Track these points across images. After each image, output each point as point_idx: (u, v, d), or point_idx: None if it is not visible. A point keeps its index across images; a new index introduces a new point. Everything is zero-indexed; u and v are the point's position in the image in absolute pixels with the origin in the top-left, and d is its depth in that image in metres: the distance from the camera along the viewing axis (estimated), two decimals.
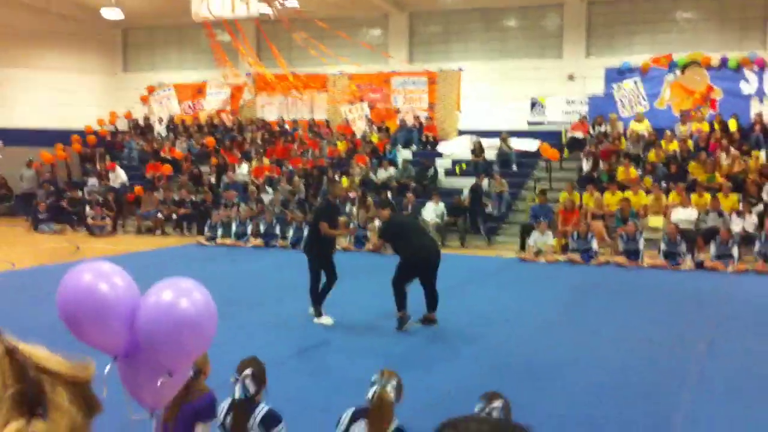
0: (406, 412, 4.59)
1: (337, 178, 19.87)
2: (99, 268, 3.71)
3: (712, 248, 14.97)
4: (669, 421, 6.42)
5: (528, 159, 21.21)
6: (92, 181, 22.92)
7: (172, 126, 26.54)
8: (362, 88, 24.83)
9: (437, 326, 9.63)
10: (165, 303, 3.56)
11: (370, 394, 4.51)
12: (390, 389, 4.51)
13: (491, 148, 21.28)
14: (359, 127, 24.03)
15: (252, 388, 4.67)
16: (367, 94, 24.81)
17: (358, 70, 24.46)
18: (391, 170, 20.77)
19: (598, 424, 6.45)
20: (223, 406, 4.77)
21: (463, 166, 21.07)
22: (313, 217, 10.47)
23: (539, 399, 6.78)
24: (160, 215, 20.39)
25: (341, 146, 22.66)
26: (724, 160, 18.03)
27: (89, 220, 20.35)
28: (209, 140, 24.37)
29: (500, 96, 23.35)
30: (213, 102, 26.92)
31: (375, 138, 22.92)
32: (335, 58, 23.24)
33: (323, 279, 10.00)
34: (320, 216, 10.24)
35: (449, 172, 21.24)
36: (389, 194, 19.09)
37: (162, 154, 23.94)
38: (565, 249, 16.13)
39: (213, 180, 22.17)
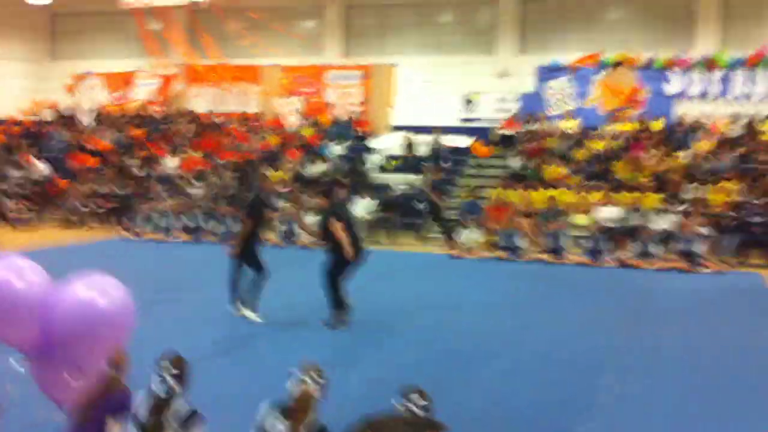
0: (330, 408, 4.57)
1: (267, 172, 19.71)
2: (10, 262, 3.60)
3: (635, 246, 15.36)
4: (592, 399, 6.68)
5: (460, 155, 21.36)
6: (14, 172, 22.22)
7: (99, 117, 25.90)
8: (296, 81, 24.65)
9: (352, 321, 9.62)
10: (80, 298, 3.47)
11: (292, 389, 4.48)
12: (311, 383, 4.48)
13: (424, 145, 21.38)
14: (291, 121, 23.86)
15: (173, 385, 4.57)
16: (300, 87, 24.64)
17: (291, 62, 24.28)
18: (323, 165, 20.67)
19: (520, 408, 6.57)
20: (140, 401, 4.65)
21: (396, 162, 21.11)
22: (246, 212, 10.23)
23: (462, 387, 6.88)
24: (85, 208, 19.90)
25: (273, 140, 22.46)
26: (647, 159, 18.46)
27: (10, 213, 19.75)
28: (137, 132, 23.87)
29: (434, 92, 23.48)
30: (142, 92, 26.38)
31: (307, 132, 22.79)
32: (268, 50, 23.04)
33: (245, 275, 9.87)
34: (251, 211, 10.11)
35: (381, 168, 21.25)
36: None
37: (88, 146, 23.35)
38: (493, 246, 16.32)
39: (140, 172, 21.72)
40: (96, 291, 3.55)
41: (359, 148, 22.00)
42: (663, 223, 16.05)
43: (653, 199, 16.97)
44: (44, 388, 3.69)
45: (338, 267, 9.44)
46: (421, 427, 1.32)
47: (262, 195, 10.66)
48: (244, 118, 24.33)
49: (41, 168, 22.15)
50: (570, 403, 6.72)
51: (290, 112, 24.18)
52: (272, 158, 21.35)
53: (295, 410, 4.46)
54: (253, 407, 4.82)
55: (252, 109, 24.94)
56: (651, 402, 6.80)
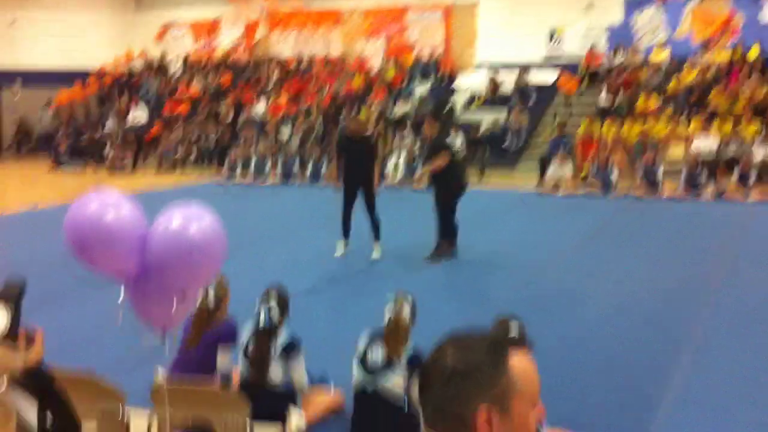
0: (422, 336, 4.67)
1: (353, 114, 19.80)
2: (105, 198, 3.76)
3: (734, 177, 14.87)
4: (679, 349, 6.48)
5: (546, 92, 20.96)
6: (111, 120, 22.96)
7: (187, 64, 26.39)
8: (377, 22, 24.50)
9: (453, 258, 9.69)
10: (174, 227, 3.61)
11: (386, 315, 4.61)
12: (405, 311, 4.60)
13: (509, 82, 21.05)
14: (375, 63, 23.80)
15: (276, 316, 4.76)
16: (381, 28, 24.48)
17: (372, 4, 24.10)
18: (408, 105, 20.63)
19: (606, 347, 6.53)
20: (246, 333, 4.87)
21: (480, 100, 20.87)
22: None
23: (550, 326, 6.86)
24: (179, 153, 20.47)
25: (357, 82, 22.48)
26: (745, 88, 17.73)
27: (109, 159, 20.48)
28: (225, 78, 24.26)
29: (517, 28, 22.93)
30: (227, 39, 26.68)
31: (391, 73, 22.71)
32: None
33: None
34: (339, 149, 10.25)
35: (467, 107, 21.05)
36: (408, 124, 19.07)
37: (179, 94, 23.88)
38: (584, 181, 16.08)
39: (230, 118, 22.12)
40: (188, 219, 3.67)
41: (444, 88, 21.82)
42: (762, 153, 15.48)
43: (752, 129, 16.33)
44: (144, 315, 3.86)
45: (452, 197, 9.64)
46: (502, 341, 1.36)
47: (350, 135, 10.44)
48: (328, 62, 24.39)
49: (140, 114, 22.80)
50: (657, 347, 6.55)
51: (373, 53, 24.10)
52: (358, 100, 21.41)
53: (390, 336, 4.59)
54: (352, 336, 4.97)
55: (335, 52, 24.95)
56: (739, 351, 6.51)
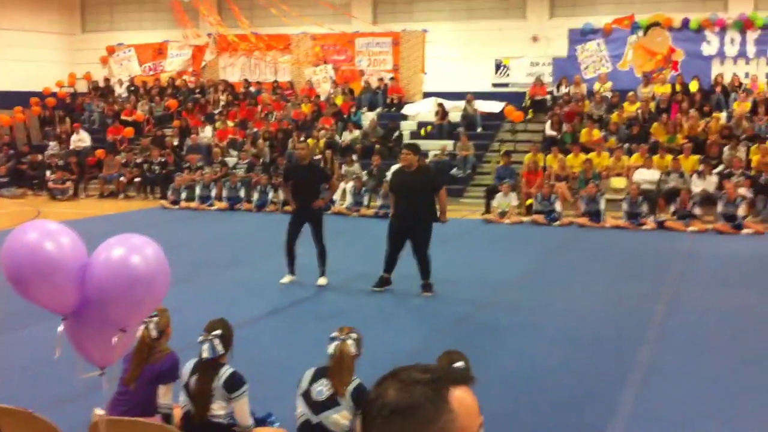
0: (367, 370, 4.64)
1: (301, 140, 19.77)
2: (44, 227, 3.66)
3: (673, 208, 15.23)
4: (629, 372, 6.56)
5: (492, 121, 21.23)
6: (53, 144, 22.51)
7: (133, 88, 26.08)
8: (326, 49, 24.59)
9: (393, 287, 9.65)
10: (116, 259, 3.53)
11: (330, 349, 4.57)
12: (350, 343, 4.57)
13: (456, 110, 21.28)
14: (324, 89, 23.85)
15: (219, 349, 4.69)
16: (331, 55, 24.58)
17: (321, 30, 24.19)
18: (356, 132, 20.68)
19: (559, 371, 6.58)
20: (188, 367, 4.78)
21: (429, 128, 21.04)
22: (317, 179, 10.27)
23: (497, 357, 6.88)
24: (122, 179, 20.15)
25: (306, 108, 22.48)
26: (685, 121, 18.21)
27: (50, 184, 20.05)
28: (171, 102, 24.03)
29: (465, 57, 23.24)
30: (174, 63, 26.47)
31: (340, 100, 22.77)
32: (298, 18, 22.96)
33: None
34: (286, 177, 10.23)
35: (414, 135, 21.19)
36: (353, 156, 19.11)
37: (123, 117, 23.56)
38: (529, 210, 16.28)
39: (176, 143, 21.89)
40: (129, 250, 3.60)
41: (392, 115, 21.95)
42: (701, 185, 15.88)
43: (692, 161, 16.75)
44: (82, 350, 3.76)
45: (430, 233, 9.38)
46: (443, 377, 1.34)
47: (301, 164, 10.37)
48: (277, 87, 24.36)
49: (83, 138, 22.39)
50: (606, 375, 6.66)
51: (323, 80, 24.16)
52: (306, 127, 21.38)
53: (334, 371, 4.56)
54: (297, 367, 4.91)
55: (284, 77, 24.94)
56: (687, 373, 6.69)
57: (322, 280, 9.80)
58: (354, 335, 4.65)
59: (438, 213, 9.32)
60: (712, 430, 5.43)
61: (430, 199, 9.22)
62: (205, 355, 4.67)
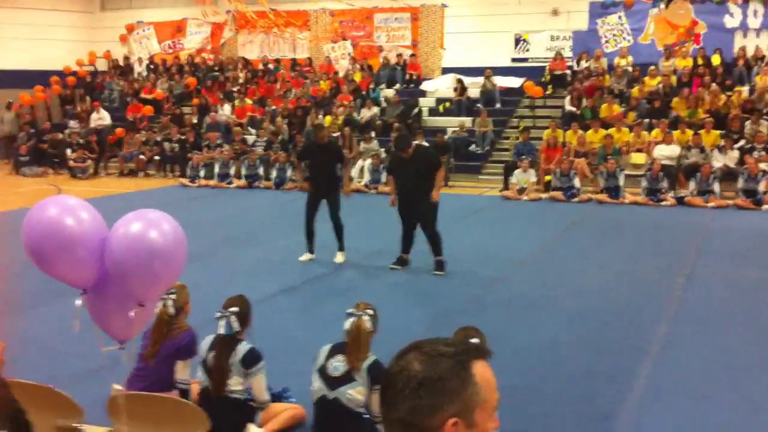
0: (383, 347, 4.67)
1: (320, 117, 19.77)
2: (64, 202, 3.70)
3: (693, 184, 15.11)
4: (646, 345, 6.57)
5: (512, 97, 21.11)
6: (73, 123, 22.66)
7: (152, 66, 26.15)
8: (344, 25, 24.49)
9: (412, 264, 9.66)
10: (134, 233, 3.56)
11: (346, 325, 4.61)
12: (366, 319, 4.61)
13: (475, 86, 21.16)
14: (342, 66, 23.79)
15: (236, 325, 4.74)
16: (349, 31, 24.48)
17: (340, 6, 24.08)
18: (375, 109, 20.64)
19: (576, 345, 6.60)
20: (206, 343, 4.84)
21: (447, 104, 20.96)
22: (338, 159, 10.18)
23: (512, 333, 6.90)
24: (142, 157, 20.27)
25: (324, 85, 22.45)
26: (706, 95, 18.01)
27: (71, 163, 20.21)
28: (190, 80, 24.07)
29: (484, 32, 23.07)
30: (193, 41, 26.49)
31: (358, 77, 22.71)
32: None
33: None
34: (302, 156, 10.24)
35: (433, 111, 21.12)
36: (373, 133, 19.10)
37: (143, 95, 23.65)
38: (547, 187, 16.21)
39: (195, 121, 21.96)
40: (147, 224, 3.63)
41: (411, 92, 21.87)
42: (722, 160, 15.73)
43: (713, 136, 16.58)
44: (102, 324, 3.81)
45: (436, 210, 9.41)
46: (465, 350, 1.37)
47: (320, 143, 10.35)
48: (295, 64, 24.33)
49: (103, 116, 22.51)
50: (624, 348, 6.67)
51: (341, 56, 24.09)
52: (324, 104, 21.37)
53: (350, 347, 4.60)
54: (314, 344, 4.96)
55: (302, 54, 24.89)
56: (704, 347, 6.68)
57: (339, 257, 9.85)
58: (370, 311, 4.68)
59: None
60: (729, 403, 5.43)
61: (428, 179, 9.19)
62: (222, 331, 4.73)
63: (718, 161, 15.73)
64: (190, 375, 4.91)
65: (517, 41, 22.86)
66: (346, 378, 4.59)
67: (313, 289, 8.79)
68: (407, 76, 22.73)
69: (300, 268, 9.67)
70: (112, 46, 27.34)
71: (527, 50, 22.81)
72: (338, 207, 9.85)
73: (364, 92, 21.78)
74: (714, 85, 18.16)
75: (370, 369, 4.56)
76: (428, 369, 1.49)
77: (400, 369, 1.52)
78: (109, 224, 3.67)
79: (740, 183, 14.86)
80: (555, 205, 15.13)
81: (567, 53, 21.79)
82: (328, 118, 20.05)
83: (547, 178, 16.41)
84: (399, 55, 23.25)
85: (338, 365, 4.62)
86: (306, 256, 9.93)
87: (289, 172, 17.47)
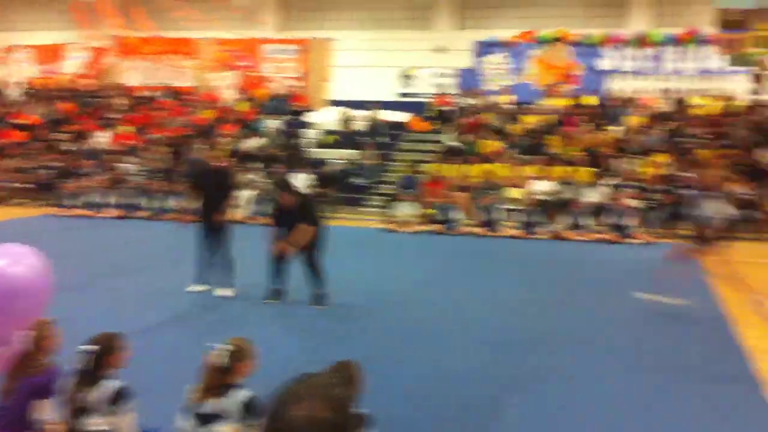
0: (261, 381, 4.60)
1: (203, 147, 19.46)
2: None
3: (567, 218, 15.70)
4: (520, 375, 6.70)
5: (397, 131, 21.42)
6: None
7: (30, 90, 25.18)
8: (231, 54, 24.32)
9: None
10: None
11: (204, 360, 4.51)
12: (223, 358, 4.50)
13: (362, 119, 21.38)
14: (226, 96, 23.58)
15: (98, 362, 4.55)
16: (236, 61, 24.33)
17: (227, 35, 23.93)
18: (260, 140, 20.50)
19: (452, 376, 6.66)
20: (70, 380, 4.62)
21: (332, 138, 21.06)
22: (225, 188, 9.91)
23: (394, 367, 6.92)
24: (12, 184, 19.39)
25: (207, 115, 22.16)
26: (580, 134, 18.81)
27: None
28: (68, 106, 23.28)
29: (372, 66, 23.43)
30: (72, 65, 25.70)
31: (243, 107, 22.55)
32: (204, 23, 22.67)
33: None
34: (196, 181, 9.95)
35: (319, 143, 21.17)
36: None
37: (16, 120, 22.69)
38: (430, 219, 16.48)
39: (71, 147, 21.22)
40: (7, 259, 3.48)
41: (296, 123, 21.87)
42: (594, 196, 16.42)
43: (585, 173, 17.31)
44: None
45: (318, 244, 9.34)
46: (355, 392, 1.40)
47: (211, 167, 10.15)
48: (178, 93, 23.93)
49: None
50: (499, 378, 6.79)
51: (225, 86, 23.88)
52: (206, 133, 21.07)
53: (209, 383, 4.49)
54: (188, 383, 4.82)
55: (186, 83, 24.53)
56: (577, 377, 6.87)
57: (225, 291, 9.64)
58: (230, 347, 4.57)
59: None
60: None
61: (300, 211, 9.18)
62: (82, 366, 4.53)
63: (590, 197, 16.42)
64: (53, 415, 4.67)
65: (404, 76, 23.30)
66: (217, 415, 4.47)
67: (193, 323, 8.57)
68: (294, 108, 22.74)
69: (181, 299, 9.42)
70: None
71: (413, 85, 23.28)
72: (227, 239, 9.66)
73: (248, 123, 21.62)
74: (587, 125, 19.00)
75: (247, 405, 4.46)
76: (338, 415, 1.54)
77: (308, 418, 1.54)
78: None
79: (609, 218, 15.55)
80: (436, 238, 15.39)
81: (452, 90, 22.35)
82: (212, 148, 19.75)
83: (430, 211, 16.69)
84: (289, 86, 23.24)
85: (207, 403, 4.49)
86: (197, 287, 9.67)
87: (169, 202, 17.08)
